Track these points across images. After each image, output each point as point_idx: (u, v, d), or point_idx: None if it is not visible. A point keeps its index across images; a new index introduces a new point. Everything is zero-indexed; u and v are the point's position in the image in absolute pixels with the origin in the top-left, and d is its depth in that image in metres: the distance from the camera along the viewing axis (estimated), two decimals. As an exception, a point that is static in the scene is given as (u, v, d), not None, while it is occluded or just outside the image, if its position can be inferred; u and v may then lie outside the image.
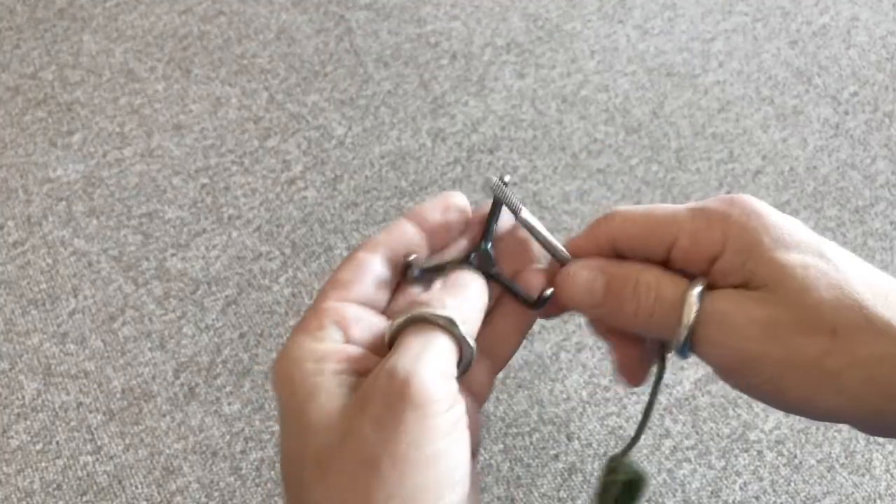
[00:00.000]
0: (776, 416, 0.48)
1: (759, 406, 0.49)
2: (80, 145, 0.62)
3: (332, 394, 0.25)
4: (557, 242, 0.31)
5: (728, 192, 0.59)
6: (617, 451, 0.35)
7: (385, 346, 0.27)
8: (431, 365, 0.25)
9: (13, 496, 0.46)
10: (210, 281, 0.54)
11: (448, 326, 0.26)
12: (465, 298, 0.28)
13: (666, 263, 0.29)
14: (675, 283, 0.28)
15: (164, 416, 0.49)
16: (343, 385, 0.26)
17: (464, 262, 0.30)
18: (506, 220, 0.31)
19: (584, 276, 0.29)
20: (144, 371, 0.51)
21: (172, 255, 0.56)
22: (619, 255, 0.30)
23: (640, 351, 0.31)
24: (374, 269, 0.29)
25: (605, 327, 0.31)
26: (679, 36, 0.69)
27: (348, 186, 0.59)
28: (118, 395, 0.50)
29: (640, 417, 0.33)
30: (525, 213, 0.30)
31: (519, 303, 0.31)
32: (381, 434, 0.24)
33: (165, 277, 0.54)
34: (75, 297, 0.54)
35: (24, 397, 0.50)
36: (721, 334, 0.27)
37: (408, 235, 0.30)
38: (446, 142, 0.62)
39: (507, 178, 0.31)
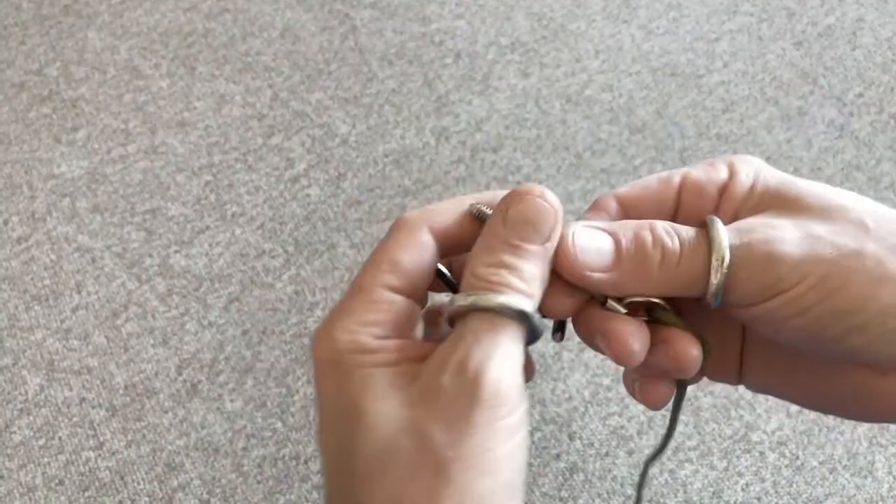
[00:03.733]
0: (778, 417, 0.48)
1: (761, 407, 0.49)
2: (84, 142, 0.62)
3: (388, 385, 0.24)
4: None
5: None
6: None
7: (443, 322, 0.26)
8: (503, 363, 0.23)
9: (15, 491, 0.46)
10: (213, 278, 0.54)
11: (519, 319, 0.24)
12: (535, 261, 0.25)
13: (674, 216, 0.28)
14: (689, 225, 0.26)
15: (166, 412, 0.49)
16: (399, 375, 0.24)
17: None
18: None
19: (587, 235, 0.26)
20: (147, 367, 0.51)
21: (176, 251, 0.56)
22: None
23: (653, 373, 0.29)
24: (432, 252, 0.27)
25: (598, 328, 0.27)
26: (684, 36, 0.69)
27: (352, 185, 0.59)
28: (121, 392, 0.50)
29: (666, 428, 0.31)
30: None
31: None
32: (449, 436, 0.22)
33: (168, 274, 0.55)
34: (79, 293, 0.54)
35: (26, 393, 0.50)
36: (758, 249, 0.24)
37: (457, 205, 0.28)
38: (450, 140, 0.62)
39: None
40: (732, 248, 0.25)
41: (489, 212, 0.26)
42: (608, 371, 0.50)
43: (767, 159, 0.61)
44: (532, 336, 0.25)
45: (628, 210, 0.28)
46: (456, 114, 0.63)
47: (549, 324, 0.25)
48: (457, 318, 0.25)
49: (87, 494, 0.46)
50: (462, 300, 0.24)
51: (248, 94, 0.65)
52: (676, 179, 0.28)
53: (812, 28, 0.69)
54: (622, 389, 0.50)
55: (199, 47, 0.68)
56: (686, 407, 0.49)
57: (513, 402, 0.23)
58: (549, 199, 0.26)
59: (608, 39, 0.68)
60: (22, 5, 0.71)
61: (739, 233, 0.25)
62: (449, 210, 0.27)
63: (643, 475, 0.33)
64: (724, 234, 0.25)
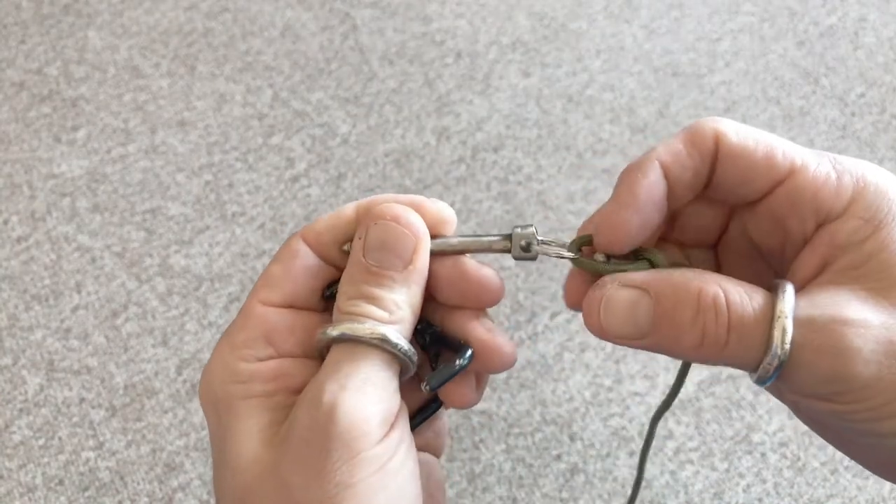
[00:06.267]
0: (780, 418, 0.48)
1: (762, 408, 0.49)
2: (84, 141, 0.62)
3: (258, 421, 0.23)
4: (487, 237, 0.25)
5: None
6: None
7: (318, 357, 0.25)
8: (361, 393, 0.22)
9: (15, 491, 0.46)
10: (213, 278, 0.54)
11: (381, 345, 0.23)
12: (398, 287, 0.24)
13: (753, 213, 0.23)
14: (750, 293, 0.21)
15: (166, 412, 0.49)
16: (273, 408, 0.23)
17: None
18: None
19: (623, 299, 0.22)
20: (147, 367, 0.50)
21: (176, 251, 0.56)
22: (706, 180, 0.23)
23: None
24: (309, 259, 0.26)
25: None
26: (685, 36, 0.69)
27: (352, 184, 0.59)
28: (120, 392, 0.50)
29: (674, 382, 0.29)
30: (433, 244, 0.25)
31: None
32: (305, 477, 0.21)
33: (168, 274, 0.54)
34: (78, 292, 0.54)
35: (26, 392, 0.50)
36: (828, 358, 0.20)
37: (348, 215, 0.26)
38: (451, 140, 0.62)
39: None
40: (796, 345, 0.20)
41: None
42: (609, 372, 0.50)
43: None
44: (404, 362, 0.24)
45: (723, 169, 0.23)
46: (457, 113, 0.63)
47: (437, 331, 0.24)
48: (325, 352, 0.24)
49: (86, 494, 0.46)
50: (324, 332, 0.24)
51: (248, 93, 0.64)
52: (782, 167, 0.22)
53: (814, 28, 0.69)
54: (623, 390, 0.49)
55: (199, 46, 0.67)
56: (687, 408, 0.49)
57: (376, 431, 0.22)
58: (406, 223, 0.24)
59: (610, 39, 0.68)
60: (22, 4, 0.70)
61: (809, 325, 0.20)
62: (328, 217, 0.26)
63: (650, 435, 0.31)
64: (789, 329, 0.20)
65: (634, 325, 0.22)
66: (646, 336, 0.22)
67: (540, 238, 0.25)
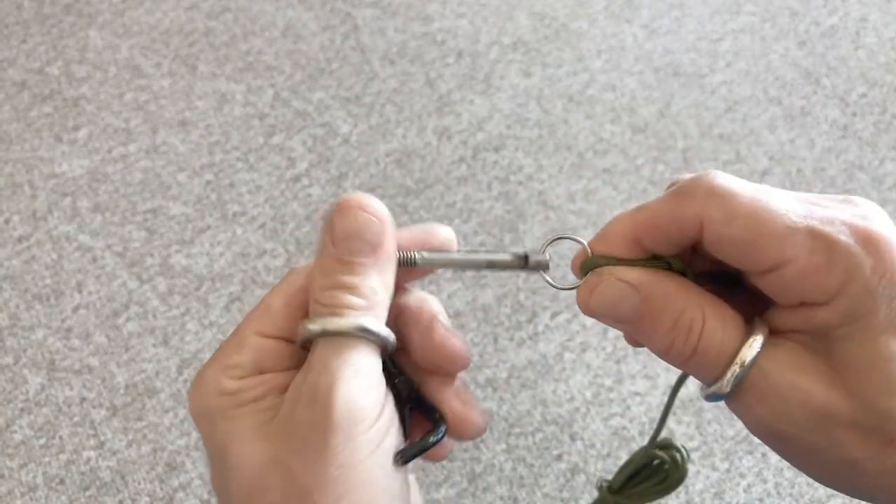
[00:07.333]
0: (781, 418, 0.48)
1: (763, 408, 0.49)
2: (85, 141, 0.62)
3: (251, 424, 0.24)
4: (486, 255, 0.26)
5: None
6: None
7: (301, 347, 0.26)
8: (353, 382, 0.23)
9: (16, 490, 0.46)
10: (214, 277, 0.54)
11: (364, 336, 0.24)
12: (372, 273, 0.25)
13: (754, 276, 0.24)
14: (726, 326, 0.23)
15: (167, 412, 0.49)
16: (264, 409, 0.25)
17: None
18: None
19: (616, 288, 0.24)
20: (148, 367, 0.51)
21: (177, 251, 0.56)
22: (694, 249, 0.25)
23: None
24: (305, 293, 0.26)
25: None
26: (686, 36, 0.69)
27: (353, 184, 0.59)
28: (122, 391, 0.50)
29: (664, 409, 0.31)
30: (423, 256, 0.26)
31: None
32: (308, 464, 0.23)
33: (169, 274, 0.54)
34: (80, 292, 0.54)
35: (28, 392, 0.50)
36: (764, 408, 0.23)
37: None
38: (452, 140, 0.62)
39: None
40: (746, 384, 0.23)
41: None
42: (610, 372, 0.50)
43: (770, 159, 0.61)
44: (385, 344, 0.25)
45: (707, 245, 0.24)
46: (458, 113, 0.63)
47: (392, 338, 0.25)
48: (308, 344, 0.25)
49: (87, 494, 0.46)
50: (307, 327, 0.24)
51: (249, 93, 0.64)
52: (769, 261, 0.23)
53: (815, 28, 0.69)
54: (624, 390, 0.49)
55: (200, 46, 0.68)
56: (688, 408, 0.49)
57: (371, 415, 0.23)
58: (371, 209, 0.25)
59: (610, 39, 0.68)
60: (23, 4, 0.70)
61: (764, 374, 0.23)
62: None
63: (673, 395, 0.32)
64: (740, 375, 0.23)
65: (615, 312, 0.25)
66: (623, 323, 0.25)
67: (550, 281, 0.27)
